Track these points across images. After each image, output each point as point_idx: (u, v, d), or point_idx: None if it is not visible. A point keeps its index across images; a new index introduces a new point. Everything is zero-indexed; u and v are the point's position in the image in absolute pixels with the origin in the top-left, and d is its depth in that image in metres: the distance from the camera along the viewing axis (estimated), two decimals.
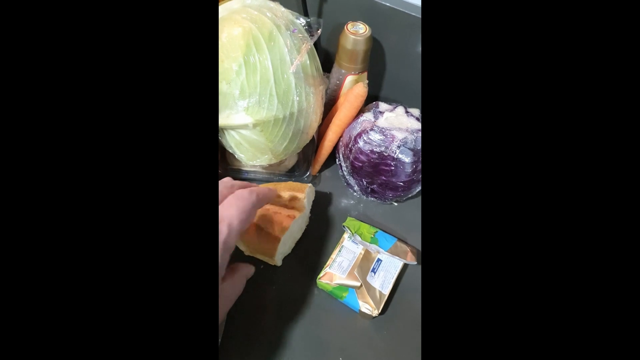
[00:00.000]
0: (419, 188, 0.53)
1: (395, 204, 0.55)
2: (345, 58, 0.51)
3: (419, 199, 0.56)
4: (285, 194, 0.46)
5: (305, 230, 0.51)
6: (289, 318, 0.44)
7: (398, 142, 0.47)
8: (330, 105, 0.56)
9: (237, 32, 0.41)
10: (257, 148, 0.46)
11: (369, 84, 0.56)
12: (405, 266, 0.49)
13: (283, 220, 0.44)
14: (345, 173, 0.53)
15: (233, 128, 0.44)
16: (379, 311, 0.44)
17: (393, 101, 0.53)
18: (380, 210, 0.54)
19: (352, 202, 0.55)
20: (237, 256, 0.48)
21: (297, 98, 0.43)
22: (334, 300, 0.46)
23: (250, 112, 0.42)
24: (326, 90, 0.55)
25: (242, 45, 0.41)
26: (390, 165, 0.48)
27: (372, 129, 0.48)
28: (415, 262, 0.47)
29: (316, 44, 0.58)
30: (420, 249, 0.50)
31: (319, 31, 0.46)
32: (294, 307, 0.45)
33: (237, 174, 0.53)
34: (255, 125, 0.43)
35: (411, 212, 0.54)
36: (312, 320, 0.44)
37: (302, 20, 0.46)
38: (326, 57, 0.57)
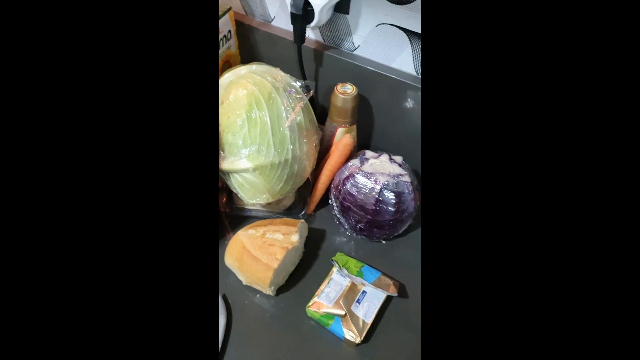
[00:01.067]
0: (404, 227, 0.58)
1: (384, 242, 0.60)
2: (335, 113, 0.59)
3: (406, 237, 0.60)
4: (281, 229, 0.52)
5: (299, 264, 0.56)
6: (280, 344, 0.48)
7: (381, 184, 0.53)
8: (324, 152, 0.63)
9: (242, 93, 0.50)
10: (257, 189, 0.53)
11: (359, 135, 0.63)
12: (389, 299, 0.53)
13: (277, 252, 0.50)
14: (337, 212, 0.59)
15: (237, 172, 0.52)
16: (362, 338, 0.47)
17: (380, 150, 0.60)
18: (369, 247, 0.59)
19: (343, 239, 0.60)
20: (236, 286, 0.53)
21: (291, 147, 0.51)
22: (321, 328, 0.50)
23: (251, 159, 0.50)
24: (321, 141, 0.63)
25: (245, 104, 0.49)
26: (374, 206, 0.54)
27: (358, 173, 0.55)
28: (397, 294, 0.51)
29: (313, 101, 0.67)
30: (402, 283, 0.54)
31: (311, 92, 0.55)
32: (285, 334, 0.49)
33: (241, 212, 0.60)
34: (255, 169, 0.50)
35: (398, 249, 0.59)
36: (301, 346, 0.48)
37: (298, 83, 0.55)
38: (322, 112, 0.66)
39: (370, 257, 0.57)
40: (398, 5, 0.52)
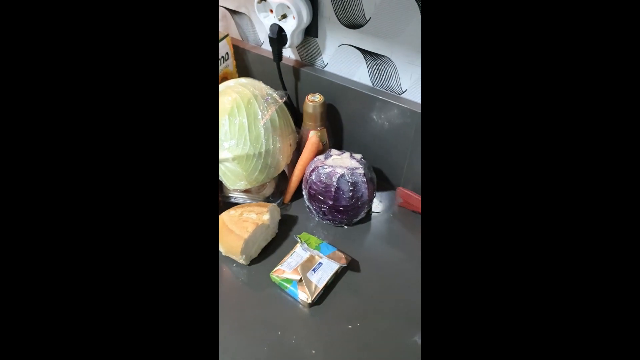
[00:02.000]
0: (362, 214, 0.68)
1: (345, 227, 0.70)
2: (307, 118, 0.71)
3: (364, 224, 0.70)
4: (255, 209, 0.64)
5: (271, 241, 0.67)
6: (248, 303, 0.59)
7: (338, 175, 0.64)
8: (300, 152, 0.75)
9: (227, 100, 0.63)
10: (236, 176, 0.65)
11: (331, 138, 0.75)
12: (344, 271, 0.62)
13: (248, 226, 0.61)
14: (306, 200, 0.70)
15: (220, 162, 0.64)
16: (313, 299, 0.57)
17: (348, 149, 0.71)
18: (332, 230, 0.69)
19: (311, 224, 0.70)
20: (217, 256, 0.64)
21: (265, 142, 0.63)
22: (281, 291, 0.60)
23: (230, 150, 0.62)
24: (300, 141, 0.74)
25: (228, 108, 0.62)
26: (333, 192, 0.64)
27: (321, 166, 0.66)
28: (346, 264, 0.61)
29: (292, 109, 0.79)
30: (357, 260, 0.64)
31: (284, 98, 0.67)
32: (252, 296, 0.60)
33: (227, 199, 0.72)
34: (234, 159, 0.63)
35: (356, 233, 0.69)
36: (264, 305, 0.58)
37: (275, 92, 0.68)
38: (300, 118, 0.78)
39: (333, 238, 0.67)
40: (352, 29, 0.64)
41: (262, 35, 0.79)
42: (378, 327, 0.56)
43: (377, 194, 0.74)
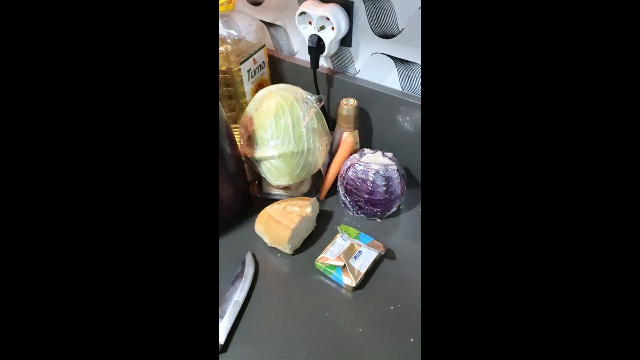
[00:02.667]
0: (394, 208, 0.74)
1: (378, 220, 0.75)
2: (342, 120, 0.77)
3: (396, 218, 0.75)
4: (298, 203, 0.69)
5: (311, 234, 0.72)
6: (294, 290, 0.64)
7: (374, 171, 0.70)
8: (335, 153, 0.81)
9: (272, 102, 0.69)
10: (280, 172, 0.70)
11: (361, 139, 0.81)
12: (381, 259, 0.67)
13: (294, 217, 0.66)
14: (341, 195, 0.75)
15: (266, 159, 0.70)
16: (357, 283, 0.62)
17: (376, 149, 0.77)
18: (367, 223, 0.74)
19: (346, 218, 0.76)
20: (262, 248, 0.69)
21: (306, 141, 0.69)
22: (326, 277, 0.65)
23: (276, 148, 0.68)
24: (332, 143, 0.80)
25: (274, 110, 0.68)
26: (369, 187, 0.70)
27: (357, 163, 0.72)
28: (384, 252, 0.66)
29: (325, 113, 0.85)
30: (389, 247, 0.69)
31: (322, 102, 0.73)
32: (298, 283, 0.65)
33: (268, 195, 0.77)
34: (279, 157, 0.68)
35: (389, 225, 0.74)
36: (310, 291, 0.63)
37: (313, 97, 0.74)
38: (333, 122, 0.84)
39: (367, 230, 0.72)
40: (385, 39, 0.71)
41: (296, 46, 0.85)
42: (417, 308, 0.60)
43: (406, 190, 0.80)
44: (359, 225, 0.74)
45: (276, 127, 0.68)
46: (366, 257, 0.65)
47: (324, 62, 0.83)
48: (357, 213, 0.75)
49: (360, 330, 0.58)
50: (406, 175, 0.80)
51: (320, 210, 0.76)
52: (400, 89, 0.75)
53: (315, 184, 0.80)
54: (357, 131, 0.78)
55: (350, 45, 0.76)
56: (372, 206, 0.72)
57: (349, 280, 0.62)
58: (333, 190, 0.79)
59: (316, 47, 0.74)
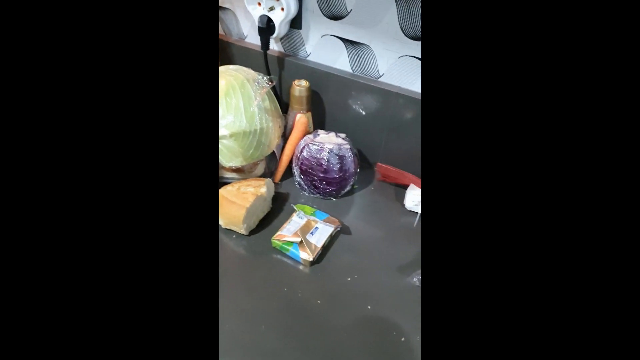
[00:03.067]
0: (349, 186, 0.75)
1: (334, 199, 0.76)
2: (294, 102, 0.77)
3: (351, 197, 0.77)
4: (252, 183, 0.68)
5: (266, 215, 0.71)
6: (251, 269, 0.63)
7: (328, 150, 0.71)
8: (288, 136, 0.81)
9: (222, 82, 0.68)
10: (233, 153, 0.69)
11: (315, 121, 0.82)
12: (337, 234, 0.68)
13: (249, 197, 0.65)
14: (297, 176, 0.75)
15: (218, 139, 0.68)
16: (314, 258, 0.62)
17: (330, 130, 0.78)
18: (322, 203, 0.75)
19: (302, 199, 0.76)
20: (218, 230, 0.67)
21: (259, 120, 0.68)
22: (283, 255, 0.64)
23: (228, 127, 0.67)
24: (285, 125, 0.80)
25: (224, 89, 0.67)
26: (323, 165, 0.71)
27: (311, 143, 0.72)
28: (340, 226, 0.67)
29: (277, 96, 0.85)
30: (345, 223, 0.70)
31: (273, 82, 0.73)
32: (254, 262, 0.64)
33: (221, 179, 0.76)
34: (231, 136, 0.67)
35: (344, 204, 0.75)
36: (267, 269, 0.63)
37: (264, 77, 0.74)
38: (285, 106, 0.84)
39: (323, 209, 0.73)
40: (334, 21, 0.73)
41: (246, 30, 0.85)
42: (375, 277, 0.62)
43: (359, 171, 0.82)
44: (315, 206, 0.75)
45: (227, 107, 0.67)
46: (323, 232, 0.66)
47: (275, 46, 0.83)
48: (313, 193, 0.76)
49: (319, 301, 0.58)
50: (359, 156, 0.82)
51: (276, 192, 0.76)
52: (351, 71, 0.77)
53: (269, 167, 0.80)
54: (309, 113, 0.79)
55: (300, 28, 0.77)
56: (328, 185, 0.73)
57: (306, 255, 0.62)
58: (289, 173, 0.79)
59: (266, 27, 0.73)
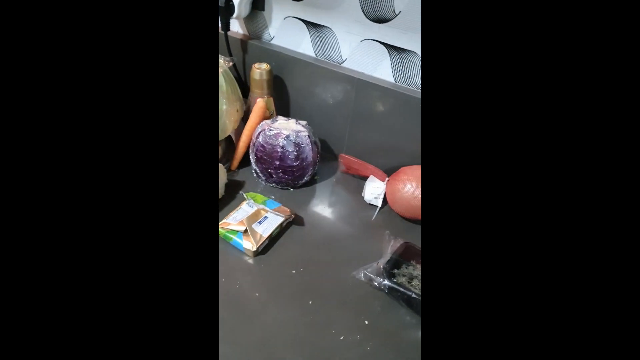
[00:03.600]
0: (307, 176, 0.71)
1: (291, 189, 0.73)
2: (255, 86, 0.74)
3: (309, 187, 0.73)
4: None
5: (218, 201, 0.68)
6: None
7: (284, 136, 0.67)
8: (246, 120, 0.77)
9: None
10: None
11: (279, 109, 0.78)
12: (289, 224, 0.65)
13: None
14: (253, 163, 0.72)
15: None
16: (257, 248, 0.58)
17: (291, 117, 0.75)
18: (279, 193, 0.72)
19: (258, 189, 0.72)
20: None
21: None
22: (227, 244, 0.61)
23: None
24: (245, 111, 0.77)
25: None
26: (279, 152, 0.67)
27: (268, 129, 0.69)
28: (291, 216, 0.64)
29: (240, 80, 0.82)
30: (299, 214, 0.66)
31: (231, 62, 0.70)
32: None
33: None
34: None
35: (302, 195, 0.72)
36: None
37: (221, 57, 0.70)
38: (248, 89, 0.80)
39: (279, 200, 0.70)
40: (296, 2, 0.69)
41: None
42: (321, 271, 0.58)
43: (322, 162, 0.78)
44: (272, 196, 0.71)
45: None
46: (271, 222, 0.62)
47: (238, 28, 0.80)
48: (269, 182, 0.72)
49: (257, 294, 0.54)
50: (323, 147, 0.78)
51: (231, 180, 0.72)
52: (314, 55, 0.74)
53: (226, 154, 0.76)
54: (271, 98, 0.76)
55: (263, 9, 0.73)
56: (284, 174, 0.69)
57: (249, 245, 0.58)
58: (247, 161, 0.75)
59: (225, 7, 0.70)
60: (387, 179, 0.69)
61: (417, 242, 0.60)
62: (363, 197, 0.71)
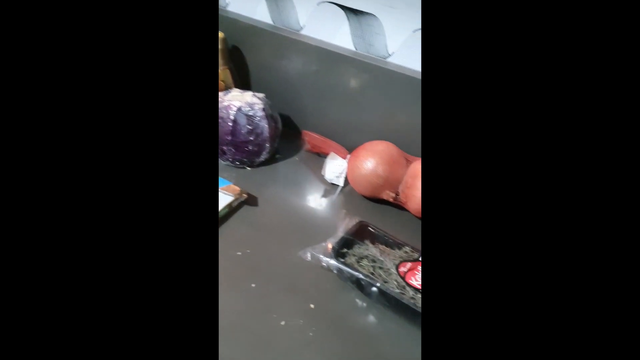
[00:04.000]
0: (264, 154, 0.66)
1: (248, 168, 0.68)
2: None
3: (270, 166, 0.69)
4: None
5: None
6: None
7: (235, 109, 0.62)
8: None
9: None
10: None
11: (240, 82, 0.73)
12: (240, 204, 0.60)
13: None
14: None
15: None
16: None
17: (249, 89, 0.70)
18: (234, 173, 0.67)
19: None
20: None
21: None
22: None
23: None
24: None
25: None
26: (230, 126, 0.62)
27: (220, 101, 0.64)
28: (240, 196, 0.59)
29: None
30: (256, 196, 0.62)
31: None
32: None
33: None
34: None
35: (260, 174, 0.67)
36: None
37: None
38: None
39: (234, 180, 0.65)
40: None
41: None
42: (268, 252, 0.54)
43: (286, 140, 0.73)
44: (226, 175, 0.66)
45: None
46: (220, 200, 0.58)
47: None
48: (222, 159, 0.67)
49: None
50: (287, 124, 0.73)
51: None
52: (271, 22, 0.69)
53: None
54: (227, 70, 0.70)
55: None
56: (237, 150, 0.64)
57: None
58: None
59: None
60: (348, 156, 0.64)
61: (377, 223, 0.56)
62: (324, 176, 0.67)
